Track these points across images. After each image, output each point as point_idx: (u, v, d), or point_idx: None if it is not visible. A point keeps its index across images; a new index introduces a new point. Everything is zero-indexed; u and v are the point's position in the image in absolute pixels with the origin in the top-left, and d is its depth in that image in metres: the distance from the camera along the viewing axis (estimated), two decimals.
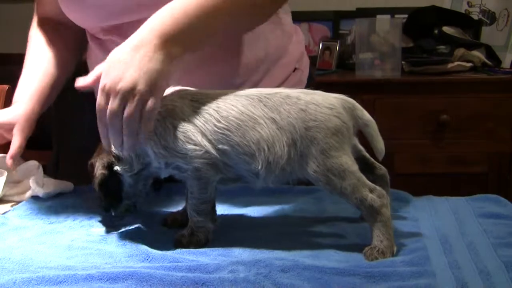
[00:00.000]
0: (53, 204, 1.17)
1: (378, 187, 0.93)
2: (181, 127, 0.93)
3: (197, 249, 0.95)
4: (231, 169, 0.95)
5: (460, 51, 2.54)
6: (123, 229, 1.04)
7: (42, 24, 1.32)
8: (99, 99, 0.91)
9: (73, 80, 0.98)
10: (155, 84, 0.90)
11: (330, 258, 0.91)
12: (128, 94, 0.89)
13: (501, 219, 1.04)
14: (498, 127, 2.47)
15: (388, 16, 2.76)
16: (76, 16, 1.20)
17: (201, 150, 0.93)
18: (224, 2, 0.97)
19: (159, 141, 0.94)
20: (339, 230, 1.03)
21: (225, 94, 0.96)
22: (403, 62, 2.57)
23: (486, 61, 2.57)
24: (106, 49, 1.14)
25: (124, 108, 0.89)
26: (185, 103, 0.95)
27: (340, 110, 0.94)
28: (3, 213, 1.13)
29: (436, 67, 2.52)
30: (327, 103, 0.94)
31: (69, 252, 0.95)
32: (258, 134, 0.92)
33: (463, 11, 2.77)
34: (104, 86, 0.90)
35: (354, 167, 0.92)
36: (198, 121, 0.93)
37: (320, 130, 0.92)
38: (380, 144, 0.98)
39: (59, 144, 1.85)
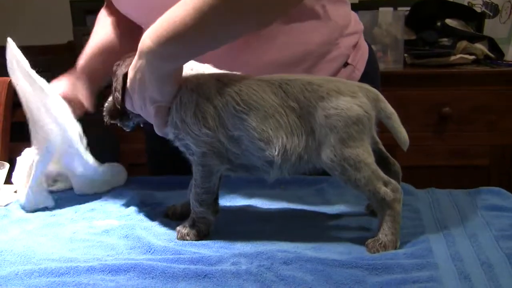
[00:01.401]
0: (55, 197, 1.17)
1: (393, 181, 0.92)
2: (203, 106, 0.93)
3: (199, 241, 0.95)
4: (241, 156, 0.94)
5: (462, 44, 2.53)
6: (124, 222, 1.04)
7: (109, 8, 1.33)
8: None
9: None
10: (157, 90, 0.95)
11: (333, 250, 0.91)
12: (140, 99, 0.98)
13: (503, 211, 1.04)
14: (500, 120, 2.46)
15: (391, 9, 2.75)
16: (123, 12, 1.22)
17: (213, 137, 0.93)
18: (224, 6, 0.91)
19: (180, 110, 0.94)
20: (342, 222, 1.03)
21: (249, 78, 0.95)
22: (405, 55, 2.56)
23: (489, 53, 2.56)
24: None
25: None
26: (211, 81, 0.95)
27: (363, 99, 0.92)
28: (5, 205, 1.13)
29: (438, 60, 2.51)
30: (349, 91, 0.92)
31: (71, 244, 0.95)
32: (277, 122, 0.92)
33: (466, 4, 2.76)
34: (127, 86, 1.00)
35: (370, 159, 0.92)
36: (219, 102, 0.93)
37: (340, 119, 0.90)
38: (403, 134, 0.96)
39: None
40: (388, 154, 1.01)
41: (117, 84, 1.00)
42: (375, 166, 0.92)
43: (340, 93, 0.92)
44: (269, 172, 0.95)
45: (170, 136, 0.98)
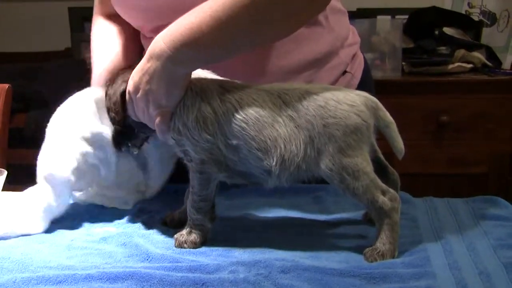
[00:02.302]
0: None
1: (391, 190, 0.92)
2: (204, 110, 0.93)
3: (197, 249, 0.95)
4: (239, 164, 0.95)
5: (460, 52, 2.54)
6: (122, 229, 1.04)
7: (107, 19, 1.31)
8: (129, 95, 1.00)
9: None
10: (165, 93, 0.95)
11: (330, 259, 0.91)
12: (144, 102, 0.97)
13: (501, 220, 1.04)
14: (498, 128, 2.47)
15: (389, 17, 2.76)
16: (125, 16, 1.21)
17: (213, 143, 0.93)
18: (241, 17, 0.92)
19: (183, 114, 0.94)
20: (340, 231, 1.03)
21: (249, 87, 0.96)
22: (403, 63, 2.57)
23: (487, 62, 2.57)
24: None
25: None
26: (215, 87, 0.95)
27: (361, 107, 0.92)
28: None
29: (436, 68, 2.52)
30: (348, 100, 0.92)
31: (69, 252, 0.95)
32: (276, 132, 0.92)
33: (463, 12, 2.77)
34: (130, 90, 0.98)
35: (369, 168, 0.92)
36: (220, 109, 0.93)
37: (339, 128, 0.91)
38: (400, 144, 0.96)
39: None
40: (387, 163, 1.01)
41: (111, 103, 0.99)
42: (373, 175, 0.92)
43: (338, 102, 0.92)
44: (267, 180, 0.95)
45: (170, 142, 0.98)
